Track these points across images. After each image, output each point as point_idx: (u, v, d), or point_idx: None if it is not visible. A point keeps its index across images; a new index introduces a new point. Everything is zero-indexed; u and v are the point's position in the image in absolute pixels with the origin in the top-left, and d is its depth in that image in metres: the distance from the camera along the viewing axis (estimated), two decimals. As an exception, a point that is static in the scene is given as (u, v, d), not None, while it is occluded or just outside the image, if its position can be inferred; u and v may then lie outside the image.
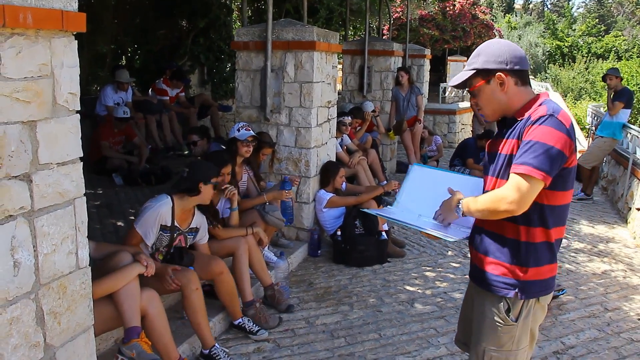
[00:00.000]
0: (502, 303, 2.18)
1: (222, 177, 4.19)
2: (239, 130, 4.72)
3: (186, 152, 7.77)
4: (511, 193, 1.99)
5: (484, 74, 2.14)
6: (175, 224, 3.59)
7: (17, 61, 2.01)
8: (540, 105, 2.08)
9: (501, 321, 2.18)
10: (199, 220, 3.79)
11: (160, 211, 3.48)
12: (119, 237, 4.96)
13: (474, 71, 2.16)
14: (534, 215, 2.08)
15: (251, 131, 4.77)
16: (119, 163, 7.03)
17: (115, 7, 9.89)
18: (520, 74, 2.14)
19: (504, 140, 2.15)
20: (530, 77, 2.26)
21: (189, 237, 3.74)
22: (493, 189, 2.16)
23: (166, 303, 3.81)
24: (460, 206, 2.21)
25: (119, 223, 5.46)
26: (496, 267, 2.19)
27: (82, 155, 2.35)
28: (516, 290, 2.15)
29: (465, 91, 18.57)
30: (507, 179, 2.05)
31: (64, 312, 2.33)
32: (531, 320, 2.20)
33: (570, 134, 2.01)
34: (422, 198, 2.45)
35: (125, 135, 7.23)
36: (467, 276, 5.08)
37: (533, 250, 2.13)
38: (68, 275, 2.33)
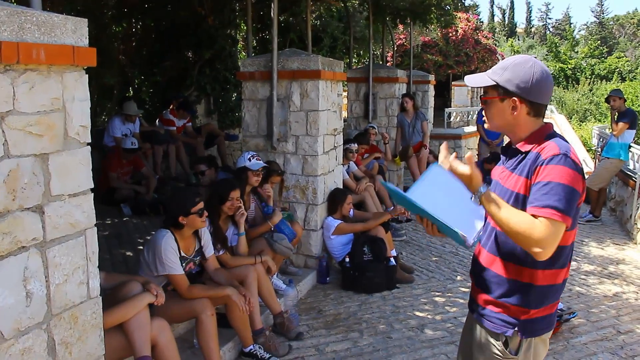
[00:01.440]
0: (499, 337, 2.11)
1: (232, 201, 4.25)
2: (250, 159, 4.79)
3: (194, 182, 7.82)
4: (545, 238, 1.85)
5: (502, 90, 2.04)
6: (182, 254, 3.63)
7: (31, 96, 2.06)
8: (547, 140, 2.00)
9: (500, 354, 2.11)
10: (201, 240, 3.84)
11: (170, 243, 3.52)
12: (128, 267, 4.99)
13: (494, 83, 2.05)
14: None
15: (262, 162, 4.84)
16: (127, 193, 7.08)
17: (122, 39, 10.07)
18: (536, 106, 2.04)
19: (509, 172, 2.09)
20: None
21: (195, 259, 3.80)
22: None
23: (176, 332, 3.81)
24: (479, 193, 1.98)
25: (128, 253, 5.48)
26: (496, 305, 2.12)
27: (92, 186, 2.40)
28: (515, 329, 2.07)
29: (470, 115, 18.70)
30: None
31: (75, 342, 2.34)
32: (533, 355, 2.11)
33: (583, 173, 1.95)
34: (435, 200, 2.19)
35: (133, 166, 7.30)
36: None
37: (538, 293, 2.04)
38: (79, 305, 2.35)
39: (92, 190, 2.40)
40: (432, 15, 10.02)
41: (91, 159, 2.42)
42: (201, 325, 3.46)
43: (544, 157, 1.94)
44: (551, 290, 2.07)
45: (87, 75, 2.33)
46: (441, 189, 2.17)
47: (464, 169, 1.99)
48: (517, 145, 2.08)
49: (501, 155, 2.25)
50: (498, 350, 2.11)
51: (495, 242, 2.13)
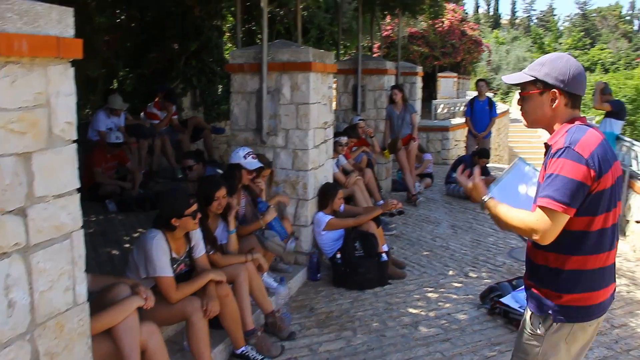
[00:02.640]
0: (536, 317, 2.27)
1: (218, 200, 4.12)
2: (245, 157, 4.67)
3: (180, 176, 7.67)
4: (538, 226, 2.07)
5: (541, 85, 2.19)
6: (173, 255, 3.50)
7: (12, 90, 1.93)
8: (564, 133, 2.14)
9: (529, 330, 2.30)
10: (192, 240, 3.71)
11: (161, 244, 3.39)
12: (113, 266, 4.85)
13: (533, 78, 2.20)
14: (562, 242, 2.11)
15: (257, 161, 4.74)
16: (112, 189, 6.90)
17: (107, 30, 9.84)
18: (574, 97, 2.20)
19: (542, 166, 2.22)
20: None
21: (186, 260, 3.67)
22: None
23: (165, 334, 3.69)
24: (485, 202, 2.32)
25: (114, 251, 5.33)
26: (534, 289, 2.29)
27: (79, 186, 2.27)
28: (550, 312, 2.20)
29: (456, 107, 18.68)
30: None
31: (61, 352, 2.22)
32: (566, 340, 2.22)
33: (589, 163, 2.05)
34: (512, 196, 2.49)
35: (118, 161, 7.13)
36: (470, 296, 5.02)
37: (565, 277, 2.17)
38: (65, 313, 2.23)
39: (78, 190, 2.27)
40: (424, 7, 9.90)
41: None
42: (192, 327, 3.35)
43: (552, 150, 2.13)
44: (585, 275, 2.17)
45: (72, 68, 2.19)
46: (519, 187, 2.52)
47: (468, 182, 2.40)
48: (547, 139, 2.22)
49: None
50: (529, 326, 2.31)
51: None
